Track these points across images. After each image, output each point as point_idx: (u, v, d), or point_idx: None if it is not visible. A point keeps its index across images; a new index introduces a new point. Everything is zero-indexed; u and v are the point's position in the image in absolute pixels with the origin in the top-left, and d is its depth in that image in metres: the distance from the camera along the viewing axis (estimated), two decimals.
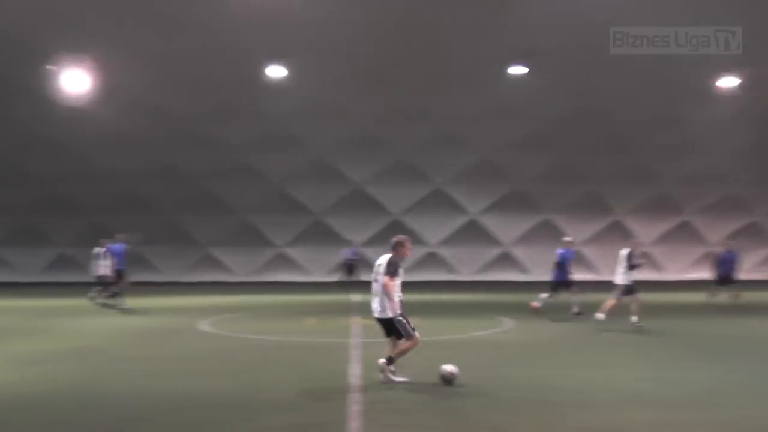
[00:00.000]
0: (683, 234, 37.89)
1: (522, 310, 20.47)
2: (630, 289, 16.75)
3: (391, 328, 10.00)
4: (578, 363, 11.74)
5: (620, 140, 32.98)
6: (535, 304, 18.86)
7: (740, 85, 27.50)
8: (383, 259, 10.12)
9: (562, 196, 36.13)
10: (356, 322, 17.54)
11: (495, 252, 37.37)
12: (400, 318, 9.89)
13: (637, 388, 9.62)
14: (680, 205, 38.00)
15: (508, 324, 17.48)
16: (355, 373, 10.43)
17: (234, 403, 8.60)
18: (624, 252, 17.07)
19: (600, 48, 24.14)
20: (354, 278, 33.18)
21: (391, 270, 9.90)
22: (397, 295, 9.93)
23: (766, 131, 32.42)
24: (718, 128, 32.11)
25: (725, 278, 22.25)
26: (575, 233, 36.83)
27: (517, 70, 26.39)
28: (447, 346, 13.69)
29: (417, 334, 9.94)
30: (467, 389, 9.40)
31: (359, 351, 12.59)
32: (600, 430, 7.52)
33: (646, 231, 37.88)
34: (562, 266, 19.10)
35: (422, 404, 8.53)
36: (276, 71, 26.97)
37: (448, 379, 9.72)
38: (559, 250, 19.37)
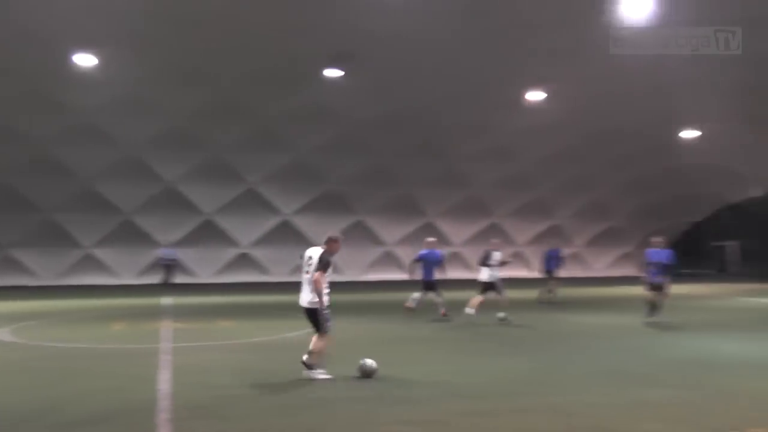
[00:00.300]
0: (493, 235, 39.58)
1: (334, 310, 20.70)
2: (491, 286, 18.20)
3: (312, 316, 10.38)
4: (393, 359, 11.86)
5: (433, 145, 33.84)
6: (409, 304, 18.80)
7: (546, 99, 29.04)
8: (314, 253, 10.41)
9: (375, 198, 36.85)
10: (167, 326, 17.13)
11: None
12: (326, 312, 10.30)
13: (453, 381, 10.06)
14: (490, 208, 39.73)
15: None
16: (164, 379, 10.19)
17: (33, 417, 8.15)
18: (484, 252, 18.62)
19: (414, 55, 24.83)
20: (171, 280, 32.30)
21: (323, 266, 10.16)
22: (326, 289, 10.29)
23: (568, 141, 34.34)
24: (527, 137, 33.60)
25: (549, 274, 24.27)
26: (388, 235, 37.82)
27: (333, 72, 26.44)
28: (259, 347, 13.71)
29: (329, 332, 10.35)
30: (281, 391, 9.45)
31: (169, 356, 12.31)
32: (418, 423, 7.74)
33: (457, 232, 39.39)
34: (425, 267, 18.84)
35: (234, 409, 8.44)
36: (85, 60, 25.08)
37: (367, 373, 10.16)
38: (422, 252, 19.19)
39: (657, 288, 17.11)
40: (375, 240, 38.44)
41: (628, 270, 42.80)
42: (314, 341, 10.34)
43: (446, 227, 39.28)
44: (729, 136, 34.47)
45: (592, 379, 10.38)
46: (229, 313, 20.47)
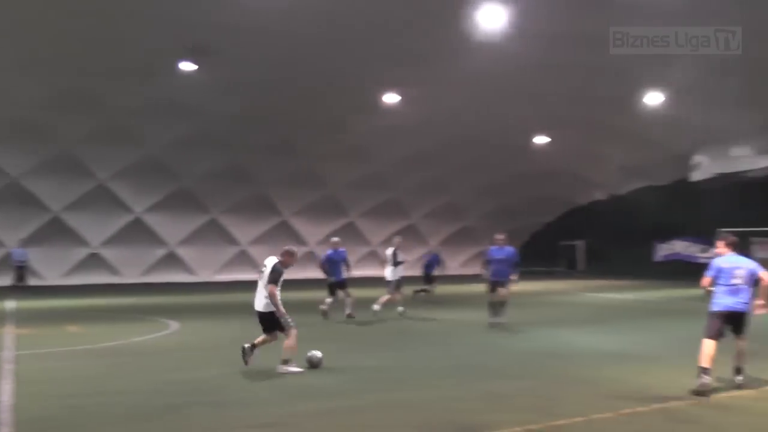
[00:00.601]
0: (348, 234, 39.83)
1: (187, 312, 20.40)
2: (398, 283, 19.40)
3: (271, 321, 10.91)
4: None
5: (289, 143, 33.61)
6: (324, 307, 18.57)
7: (401, 102, 29.33)
8: (270, 262, 11.02)
9: (229, 196, 36.40)
10: (9, 332, 16.27)
11: (161, 252, 36.63)
12: (284, 314, 10.81)
13: (304, 381, 10.18)
14: (345, 208, 40.04)
15: (174, 327, 17.26)
16: (6, 390, 9.73)
17: None
18: (389, 251, 19.75)
19: (271, 51, 24.54)
20: (23, 283, 30.69)
21: (275, 278, 10.78)
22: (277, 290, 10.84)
23: (423, 143, 34.88)
24: (383, 138, 33.91)
25: (428, 276, 25.81)
26: (243, 234, 37.42)
27: (188, 66, 25.63)
28: (109, 353, 13.23)
29: (294, 327, 10.91)
30: (131, 398, 9.21)
31: (12, 365, 11.72)
32: (266, 426, 7.77)
33: (313, 231, 39.39)
34: (332, 267, 18.75)
35: (82, 419, 8.18)
36: None
37: (314, 364, 11.00)
38: (327, 252, 19.09)
39: (499, 285, 16.85)
40: (229, 239, 37.95)
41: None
42: (285, 339, 10.90)
43: (301, 227, 39.35)
44: (577, 144, 36.12)
45: (447, 374, 10.78)
46: (78, 317, 19.69)
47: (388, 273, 19.50)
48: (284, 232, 38.62)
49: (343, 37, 23.47)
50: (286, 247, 11.36)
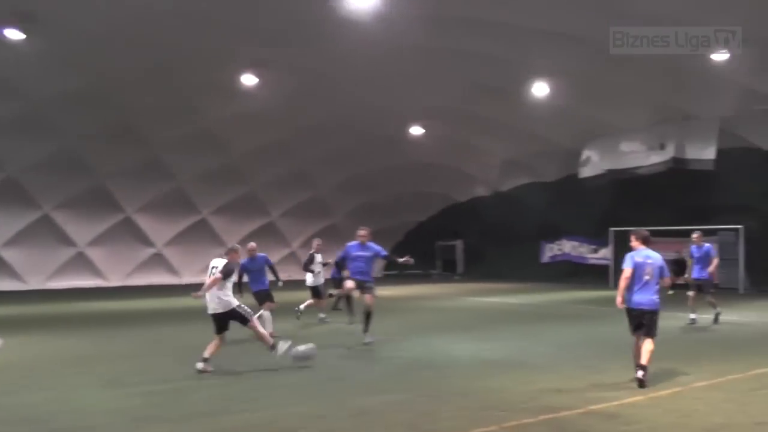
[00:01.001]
0: (200, 234, 39.17)
1: (12, 325, 19.64)
2: (316, 290, 20.50)
3: (227, 319, 12.44)
4: (78, 383, 11.51)
5: (131, 129, 32.68)
6: (258, 325, 17.52)
7: (259, 85, 28.73)
8: (218, 263, 12.43)
9: (63, 189, 35.15)
10: None
11: None
12: (241, 305, 12.47)
13: (142, 404, 9.86)
14: (195, 204, 39.52)
15: None
16: None
17: None
18: (308, 256, 20.80)
19: (112, 23, 23.68)
20: None
21: (227, 271, 12.28)
22: (228, 293, 12.37)
23: (284, 131, 34.74)
24: (238, 125, 33.49)
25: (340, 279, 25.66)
26: (79, 234, 36.20)
27: (14, 34, 24.12)
28: None
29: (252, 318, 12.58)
30: None
31: None
32: None
33: (160, 230, 38.54)
34: (251, 277, 17.68)
35: None
36: None
37: (304, 357, 12.43)
38: (242, 261, 17.89)
39: (361, 289, 15.87)
40: (64, 240, 36.62)
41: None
42: (250, 328, 12.52)
43: (146, 225, 38.72)
44: (455, 135, 36.71)
45: (314, 389, 10.75)
46: None
47: (309, 278, 20.52)
48: (128, 231, 37.89)
49: (194, 8, 22.88)
50: (230, 246, 13.09)
